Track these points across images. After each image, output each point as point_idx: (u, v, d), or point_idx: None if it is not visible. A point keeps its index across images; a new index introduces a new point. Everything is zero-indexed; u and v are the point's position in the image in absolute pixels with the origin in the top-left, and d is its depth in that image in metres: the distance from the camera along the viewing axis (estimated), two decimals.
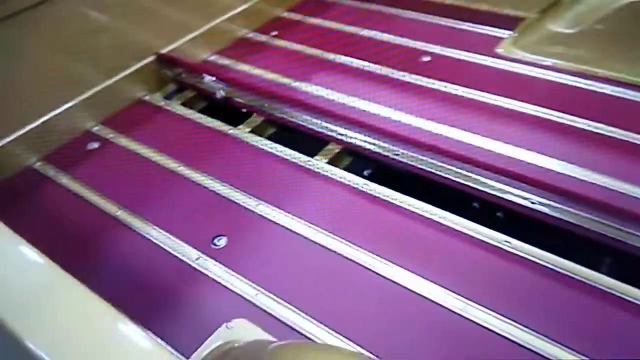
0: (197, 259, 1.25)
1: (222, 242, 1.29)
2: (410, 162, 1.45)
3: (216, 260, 1.24)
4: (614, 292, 1.09)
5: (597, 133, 1.46)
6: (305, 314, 1.11)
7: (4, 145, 1.55)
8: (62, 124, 1.66)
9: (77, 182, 1.51)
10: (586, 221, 1.21)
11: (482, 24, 1.98)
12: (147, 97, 1.85)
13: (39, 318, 0.66)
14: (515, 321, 1.04)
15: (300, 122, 1.63)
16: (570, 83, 1.65)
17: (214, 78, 1.76)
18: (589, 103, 1.56)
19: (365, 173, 1.52)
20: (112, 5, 1.70)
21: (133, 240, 1.32)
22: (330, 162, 1.51)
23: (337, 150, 1.55)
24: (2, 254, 0.76)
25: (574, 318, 1.05)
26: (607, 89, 1.60)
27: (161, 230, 1.33)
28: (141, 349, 0.65)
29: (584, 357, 0.98)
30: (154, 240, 1.31)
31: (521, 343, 1.01)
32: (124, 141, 1.65)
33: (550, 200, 1.25)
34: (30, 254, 0.74)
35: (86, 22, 1.65)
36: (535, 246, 1.18)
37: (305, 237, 1.28)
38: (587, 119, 1.49)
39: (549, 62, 1.73)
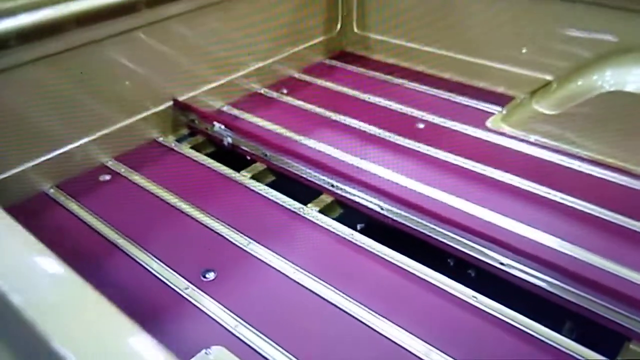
0: (186, 288, 1.34)
1: (211, 275, 1.39)
2: (395, 218, 1.56)
3: (203, 292, 1.33)
4: (571, 352, 1.16)
5: (570, 206, 1.57)
6: (281, 347, 1.19)
7: (24, 170, 1.68)
8: (79, 156, 1.80)
9: (84, 209, 1.63)
10: (551, 285, 1.30)
11: (475, 98, 2.14)
12: (160, 139, 2.00)
13: (64, 323, 0.74)
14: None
15: (298, 172, 1.76)
16: (549, 159, 1.79)
17: (223, 126, 1.92)
18: (564, 178, 1.68)
19: (358, 227, 1.62)
20: (139, 55, 1.88)
21: (128, 266, 1.42)
22: (322, 211, 1.62)
23: (329, 201, 1.67)
24: (31, 264, 0.84)
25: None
26: (583, 167, 1.73)
27: (156, 260, 1.43)
28: (148, 351, 0.73)
29: None
30: (149, 268, 1.41)
31: None
32: (134, 176, 1.78)
33: (519, 263, 1.35)
34: (56, 265, 0.82)
35: (114, 68, 1.83)
36: (500, 303, 1.27)
37: (289, 277, 1.37)
38: (561, 192, 1.61)
39: (532, 138, 1.87)
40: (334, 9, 2.55)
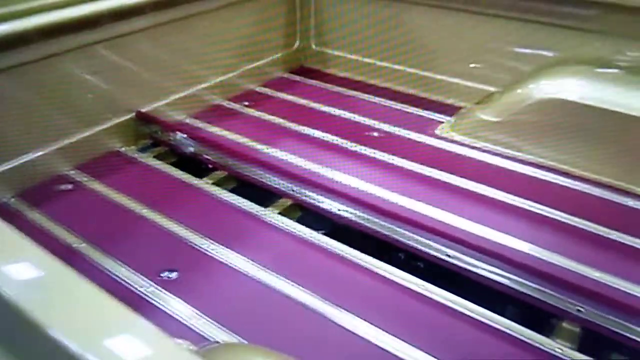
0: (147, 288, 1.38)
1: (173, 275, 1.43)
2: (351, 218, 1.65)
3: (165, 290, 1.38)
4: (512, 333, 1.26)
5: (511, 204, 1.69)
6: (245, 341, 1.24)
7: None
8: (40, 166, 1.82)
9: (45, 216, 1.65)
10: (492, 274, 1.41)
11: (426, 109, 2.28)
12: (123, 149, 2.04)
13: (56, 309, 0.74)
14: (419, 348, 1.21)
15: (258, 178, 1.84)
16: (494, 162, 1.92)
17: (185, 135, 1.98)
18: (508, 180, 1.82)
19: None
20: (101, 68, 1.93)
21: (90, 271, 1.44)
22: (281, 214, 1.70)
23: (288, 204, 1.74)
24: (21, 258, 0.84)
25: (468, 347, 1.23)
26: (525, 169, 1.88)
27: (119, 263, 1.47)
28: (145, 334, 0.73)
29: None
30: (111, 272, 1.44)
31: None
32: (95, 185, 1.81)
33: (463, 255, 1.45)
34: (44, 256, 0.82)
35: (76, 80, 1.87)
36: (447, 291, 1.36)
37: (249, 275, 1.43)
38: (504, 191, 1.73)
39: (478, 144, 2.00)
40: (292, 26, 2.67)
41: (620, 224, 1.58)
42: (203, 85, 2.32)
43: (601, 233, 1.56)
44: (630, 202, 1.70)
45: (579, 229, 1.58)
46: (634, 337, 1.25)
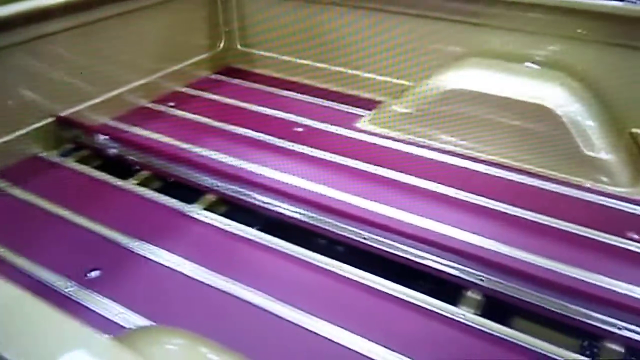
0: (71, 288, 1.39)
1: (96, 273, 1.45)
2: (273, 209, 1.72)
3: (90, 289, 1.39)
4: (424, 305, 1.38)
5: (424, 188, 1.82)
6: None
7: None
8: None
9: None
10: (405, 253, 1.52)
11: (347, 104, 2.39)
12: (44, 154, 2.01)
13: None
14: (339, 325, 1.29)
15: (183, 176, 1.87)
16: (408, 151, 2.05)
17: (107, 137, 1.98)
18: (419, 165, 1.95)
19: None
20: (17, 72, 1.90)
21: (8, 274, 1.42)
22: (206, 209, 1.74)
23: (213, 199, 1.79)
24: None
25: (385, 321, 1.33)
26: (432, 155, 2.02)
27: (40, 265, 1.46)
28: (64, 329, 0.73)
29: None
30: (33, 275, 1.43)
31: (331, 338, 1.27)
32: (15, 190, 1.79)
33: (379, 237, 1.56)
34: None
35: None
36: (364, 270, 1.47)
37: (175, 269, 1.47)
38: (415, 176, 1.86)
39: (394, 135, 2.13)
40: (216, 27, 2.71)
41: (517, 200, 1.74)
42: (126, 88, 2.32)
43: (499, 208, 1.72)
44: (527, 180, 1.88)
45: (480, 206, 1.73)
46: (529, 301, 1.39)
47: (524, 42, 2.12)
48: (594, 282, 1.42)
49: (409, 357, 1.22)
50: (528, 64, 2.09)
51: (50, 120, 2.04)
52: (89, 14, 2.08)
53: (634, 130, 2.01)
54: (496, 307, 1.41)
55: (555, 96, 1.91)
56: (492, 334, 1.30)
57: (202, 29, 2.67)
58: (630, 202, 1.76)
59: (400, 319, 1.36)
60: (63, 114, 2.08)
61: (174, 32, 2.51)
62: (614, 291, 1.39)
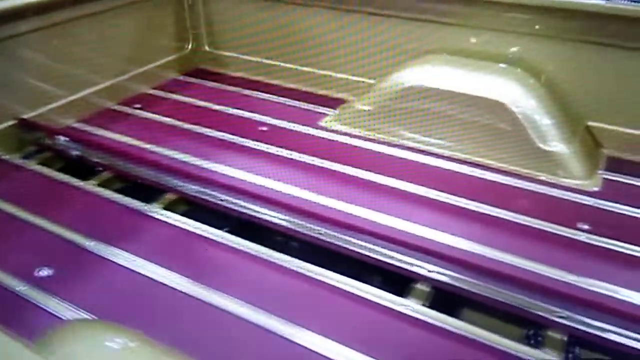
0: (22, 287, 1.39)
1: (48, 272, 1.45)
2: (234, 208, 1.73)
3: (41, 288, 1.39)
4: (375, 299, 1.39)
5: (383, 184, 1.85)
6: None
7: None
8: None
9: None
10: (359, 248, 1.54)
11: (313, 103, 2.42)
12: (6, 157, 2.01)
13: None
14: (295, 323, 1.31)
15: (143, 176, 1.88)
16: (370, 148, 2.08)
17: (67, 139, 1.98)
18: (379, 162, 1.98)
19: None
20: None
21: None
22: (166, 208, 1.75)
23: (173, 198, 1.80)
24: None
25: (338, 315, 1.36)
26: (393, 152, 2.05)
27: None
28: None
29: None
30: None
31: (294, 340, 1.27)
32: None
33: (334, 232, 1.57)
34: None
35: None
36: (318, 266, 1.48)
37: (133, 269, 1.47)
38: (374, 172, 1.89)
39: (356, 132, 2.16)
40: (184, 29, 2.72)
41: (470, 193, 1.77)
42: (91, 90, 2.32)
43: (454, 202, 1.75)
44: (484, 174, 1.91)
45: (435, 200, 1.77)
46: (474, 291, 1.42)
47: (482, 39, 2.15)
48: (540, 272, 1.45)
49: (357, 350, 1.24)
50: (486, 60, 2.12)
51: (12, 122, 2.04)
52: (52, 16, 2.09)
53: (589, 123, 2.05)
54: (444, 298, 1.43)
55: (511, 92, 1.95)
56: (439, 326, 1.32)
57: (170, 31, 2.68)
58: (583, 194, 1.79)
59: (350, 312, 1.37)
60: (26, 116, 2.08)
61: (142, 33, 2.52)
62: (561, 281, 1.42)
